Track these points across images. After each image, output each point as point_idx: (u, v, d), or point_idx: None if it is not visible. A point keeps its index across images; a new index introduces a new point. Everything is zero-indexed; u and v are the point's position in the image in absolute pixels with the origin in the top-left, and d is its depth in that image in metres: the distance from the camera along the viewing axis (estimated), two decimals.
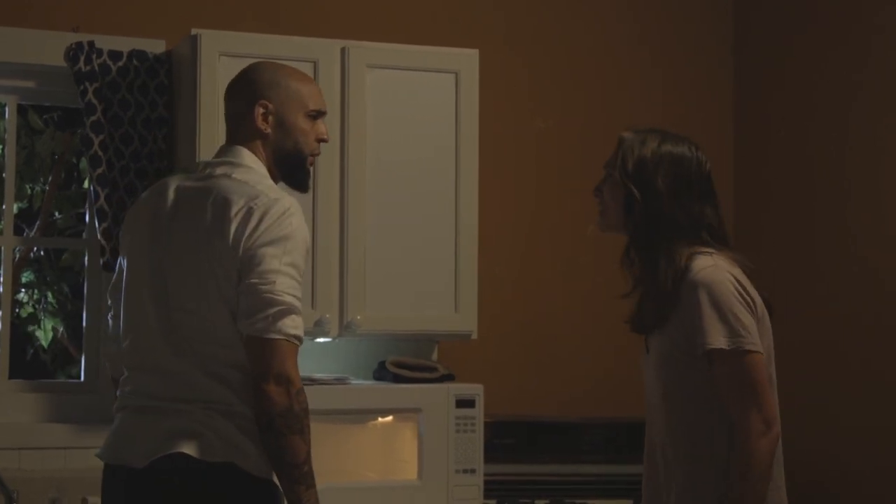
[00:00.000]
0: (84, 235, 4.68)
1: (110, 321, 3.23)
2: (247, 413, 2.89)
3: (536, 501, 4.33)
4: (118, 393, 3.12)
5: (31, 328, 7.41)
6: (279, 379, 2.82)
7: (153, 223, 3.04)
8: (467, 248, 4.25)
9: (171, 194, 3.05)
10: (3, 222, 4.60)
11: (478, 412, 4.17)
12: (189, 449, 2.87)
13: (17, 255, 7.15)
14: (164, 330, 2.96)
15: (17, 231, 6.39)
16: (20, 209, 7.21)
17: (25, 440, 4.25)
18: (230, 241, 2.87)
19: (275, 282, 2.84)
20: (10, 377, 4.43)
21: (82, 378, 4.50)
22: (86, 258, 4.57)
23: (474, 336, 4.24)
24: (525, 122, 4.85)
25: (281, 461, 2.85)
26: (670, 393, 3.02)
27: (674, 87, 5.04)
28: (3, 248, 4.55)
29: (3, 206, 4.54)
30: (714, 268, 2.97)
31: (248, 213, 2.89)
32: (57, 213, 7.43)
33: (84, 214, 4.73)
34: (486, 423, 4.22)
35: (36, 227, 7.31)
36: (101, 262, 4.28)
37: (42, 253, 7.54)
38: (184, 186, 3.05)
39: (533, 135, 4.85)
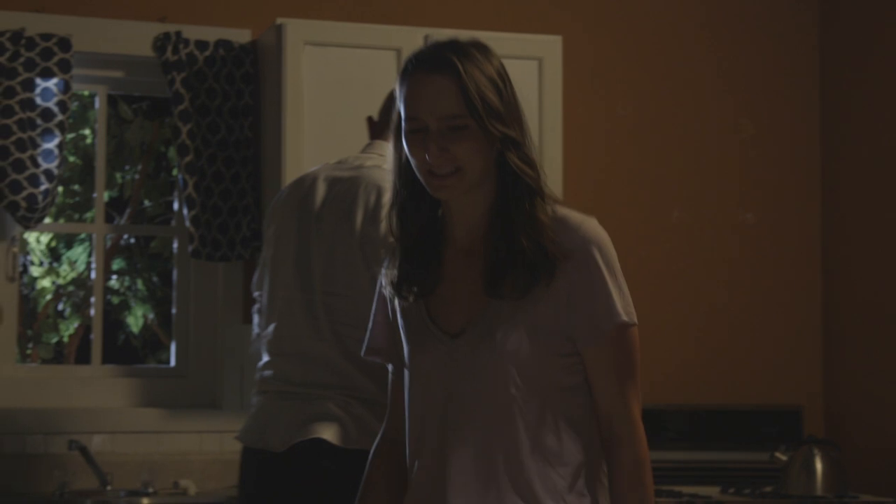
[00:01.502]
0: (173, 223, 4.75)
1: (256, 316, 3.25)
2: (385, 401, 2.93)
3: None
4: (257, 377, 3.16)
5: (121, 314, 7.53)
6: None
7: (301, 213, 3.07)
8: None
9: (320, 185, 3.08)
10: (94, 211, 4.68)
11: None
12: (328, 434, 2.91)
13: (108, 243, 7.26)
14: (309, 316, 3.01)
15: (108, 219, 6.50)
16: (111, 198, 7.33)
17: (118, 424, 4.32)
18: (383, 228, 2.91)
19: None
20: (103, 362, 4.51)
21: (172, 363, 4.57)
22: (174, 245, 4.63)
23: None
24: (607, 108, 4.84)
25: None
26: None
27: (758, 74, 4.99)
28: (94, 235, 4.62)
29: (95, 195, 4.62)
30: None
31: None
32: (146, 202, 7.54)
33: (173, 202, 4.80)
34: None
35: (126, 215, 7.42)
36: (190, 249, 4.34)
37: (132, 241, 7.65)
38: (333, 177, 3.08)
39: (615, 121, 4.84)
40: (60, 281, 7.36)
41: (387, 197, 2.93)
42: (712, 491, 4.36)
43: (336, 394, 2.96)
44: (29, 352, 7.00)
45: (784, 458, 4.31)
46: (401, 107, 2.22)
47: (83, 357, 4.57)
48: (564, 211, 2.27)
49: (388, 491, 2.36)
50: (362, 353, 2.44)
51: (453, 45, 2.22)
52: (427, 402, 2.23)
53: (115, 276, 7.51)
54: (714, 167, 4.91)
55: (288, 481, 3.01)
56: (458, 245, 2.27)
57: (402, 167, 2.27)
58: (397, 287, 2.29)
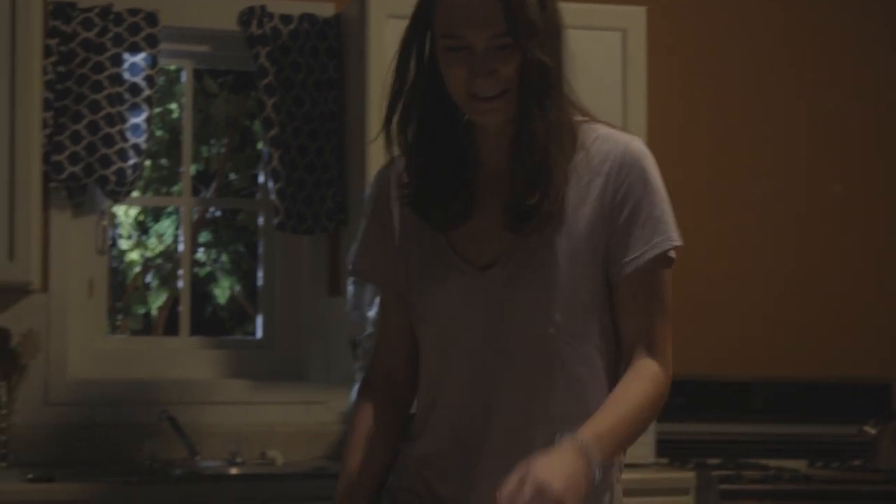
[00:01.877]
0: (258, 196, 4.78)
1: (353, 287, 3.31)
2: None
3: (709, 460, 4.30)
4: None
5: (208, 287, 7.60)
6: None
7: None
8: None
9: None
10: (181, 184, 4.73)
11: None
12: None
13: (195, 216, 7.33)
14: None
15: (195, 192, 6.56)
16: (197, 171, 7.39)
17: (207, 395, 4.37)
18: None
19: None
20: (191, 334, 4.56)
21: (259, 335, 4.61)
22: (260, 218, 4.67)
23: None
24: (691, 80, 4.79)
25: None
26: None
27: (842, 43, 4.92)
28: (181, 209, 4.67)
29: (181, 169, 4.67)
30: None
31: None
32: (232, 175, 7.60)
33: (258, 176, 4.83)
34: None
35: (212, 188, 7.48)
36: (275, 222, 4.37)
37: (218, 214, 7.72)
38: None
39: (702, 93, 4.79)
40: (148, 254, 7.45)
41: None
42: (799, 464, 4.32)
43: None
44: (118, 323, 7.10)
45: (873, 431, 4.26)
46: (433, 19, 2.03)
47: (171, 329, 4.63)
48: (606, 128, 2.11)
49: (386, 440, 2.15)
50: (348, 269, 2.32)
51: None
52: (454, 343, 2.07)
53: (201, 249, 7.59)
54: (801, 138, 4.85)
55: None
56: (485, 170, 2.10)
57: (420, 82, 2.07)
58: (421, 207, 2.10)
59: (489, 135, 2.08)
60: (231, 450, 4.22)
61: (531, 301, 2.03)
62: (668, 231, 2.10)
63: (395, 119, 2.09)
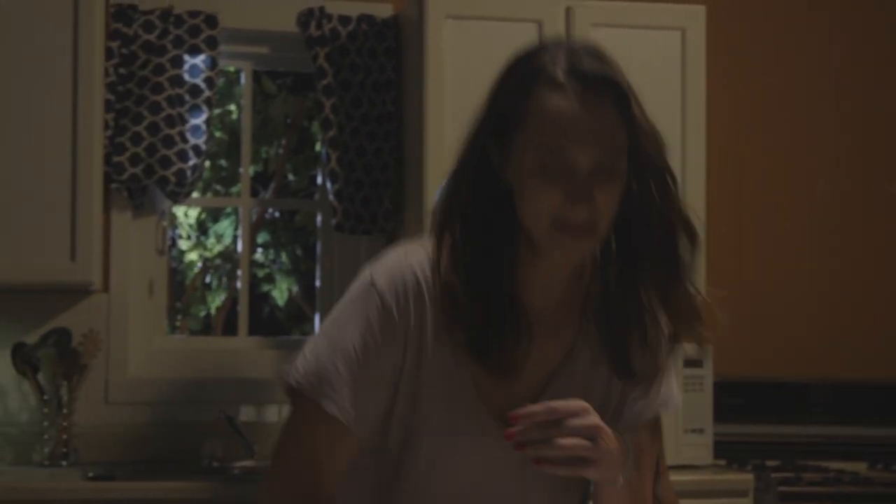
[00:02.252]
0: (316, 197, 4.80)
1: None
2: None
3: (767, 462, 4.27)
4: None
5: (266, 287, 7.65)
6: None
7: None
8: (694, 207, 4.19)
9: None
10: (240, 185, 4.76)
11: (707, 371, 4.14)
12: None
13: (254, 217, 7.38)
14: None
15: (253, 193, 6.60)
16: (256, 172, 7.44)
17: (264, 395, 4.39)
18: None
19: None
20: (250, 334, 4.59)
21: None
22: (318, 219, 4.69)
23: None
24: (750, 80, 4.76)
25: None
26: None
27: None
28: (240, 209, 4.70)
29: (240, 170, 4.70)
30: None
31: None
32: (290, 176, 7.64)
33: (316, 176, 4.85)
34: (714, 383, 4.18)
35: (271, 189, 7.53)
36: (333, 223, 4.38)
37: (277, 214, 7.76)
38: None
39: (760, 92, 4.76)
40: (207, 254, 7.51)
41: None
42: (859, 467, 4.28)
43: None
44: (178, 324, 7.16)
45: None
46: (520, 125, 1.72)
47: (230, 329, 4.66)
48: None
49: None
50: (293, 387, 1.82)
51: (611, 59, 1.75)
52: (446, 487, 1.82)
53: (260, 250, 7.63)
54: (858, 138, 4.81)
55: None
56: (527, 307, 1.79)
57: (481, 198, 1.76)
58: (480, 343, 1.75)
59: (541, 271, 1.79)
60: None
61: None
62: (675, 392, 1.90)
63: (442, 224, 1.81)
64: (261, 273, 7.64)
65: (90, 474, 3.84)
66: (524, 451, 1.68)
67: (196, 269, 7.56)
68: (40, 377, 4.15)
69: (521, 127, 1.73)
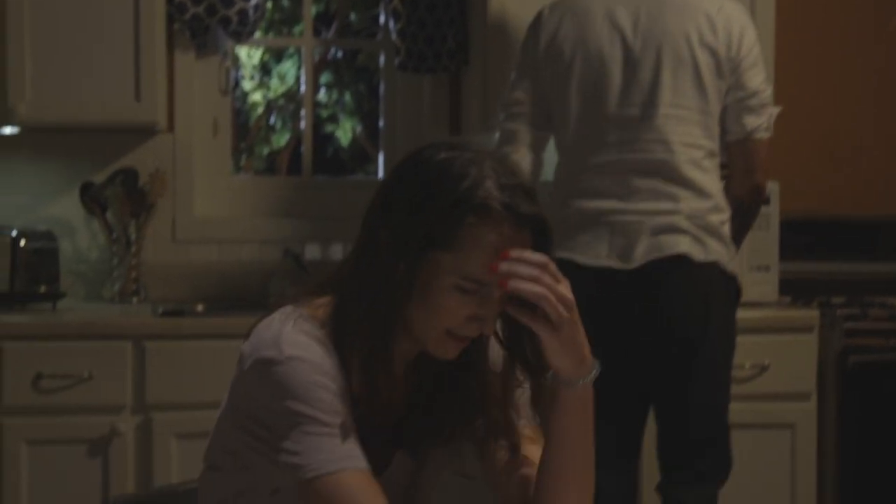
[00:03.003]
0: (379, 37, 4.77)
1: (510, 124, 3.47)
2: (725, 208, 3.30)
3: (833, 299, 4.26)
4: (561, 193, 3.37)
5: (330, 128, 7.65)
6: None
7: (612, 35, 3.33)
8: (765, 37, 4.10)
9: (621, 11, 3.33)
10: (302, 25, 4.73)
11: (773, 209, 4.11)
12: (685, 248, 3.21)
13: (317, 57, 7.34)
14: (649, 129, 3.30)
15: (316, 33, 6.55)
16: (317, 12, 7.38)
17: (329, 234, 4.42)
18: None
19: None
20: (313, 174, 4.60)
21: (380, 175, 4.64)
22: (381, 59, 4.66)
23: None
24: (820, 52, 4.63)
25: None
26: None
27: None
28: (303, 49, 4.68)
29: (302, 10, 4.66)
30: None
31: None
32: (352, 15, 7.57)
33: (379, 16, 4.80)
34: (781, 221, 4.15)
35: (333, 29, 7.48)
36: (396, 62, 4.36)
37: (339, 55, 7.72)
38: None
39: (829, 65, 4.64)
40: (271, 95, 7.50)
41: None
42: None
43: (678, 206, 3.24)
44: (242, 164, 7.20)
45: None
46: (457, 253, 1.76)
47: (294, 169, 4.66)
48: None
49: None
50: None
51: (531, 192, 1.80)
52: None
53: (323, 90, 7.62)
54: None
55: (645, 298, 3.23)
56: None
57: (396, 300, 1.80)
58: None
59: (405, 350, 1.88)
60: None
61: None
62: None
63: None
64: (324, 114, 7.63)
65: (160, 310, 3.91)
66: (506, 286, 1.74)
67: (260, 110, 7.57)
68: (109, 216, 4.20)
69: (446, 249, 1.76)
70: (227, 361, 3.66)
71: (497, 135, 3.55)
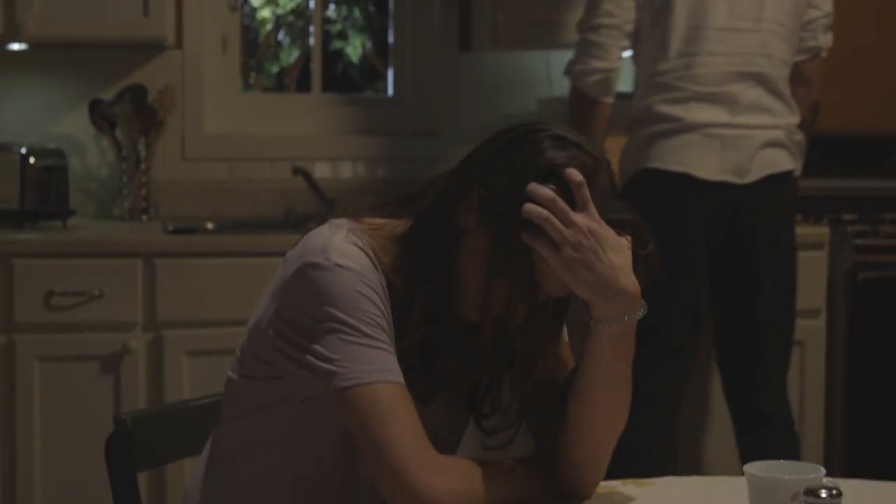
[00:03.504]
0: None
1: (595, 49, 3.50)
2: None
3: (843, 216, 4.25)
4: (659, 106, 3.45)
5: (339, 44, 7.59)
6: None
7: None
8: None
9: None
10: None
11: None
12: (787, 164, 3.45)
13: None
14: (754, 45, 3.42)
15: None
16: None
17: (339, 151, 4.41)
18: None
19: None
20: (323, 91, 4.58)
21: (390, 92, 4.62)
22: None
23: None
24: None
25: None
26: None
27: None
28: None
29: None
30: None
31: None
32: None
33: None
34: None
35: None
36: None
37: None
38: None
39: None
40: (279, 10, 7.45)
41: None
42: None
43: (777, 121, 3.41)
44: (251, 81, 7.16)
45: None
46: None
47: (304, 86, 4.65)
48: None
49: None
50: None
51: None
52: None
53: (332, 6, 7.56)
54: None
55: (756, 213, 3.40)
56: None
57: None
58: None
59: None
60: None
61: None
62: None
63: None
64: (333, 30, 7.58)
65: (170, 228, 3.91)
66: (531, 213, 1.70)
67: (268, 27, 7.52)
68: (118, 133, 4.19)
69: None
70: (236, 279, 3.69)
71: (577, 45, 3.56)
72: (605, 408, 1.82)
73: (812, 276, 3.92)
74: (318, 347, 1.73)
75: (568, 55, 3.88)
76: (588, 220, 1.72)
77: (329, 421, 1.79)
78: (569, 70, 3.57)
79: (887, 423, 4.02)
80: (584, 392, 1.82)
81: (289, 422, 1.83)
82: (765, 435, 3.52)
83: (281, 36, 7.52)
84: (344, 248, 1.76)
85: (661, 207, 3.25)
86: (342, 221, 1.83)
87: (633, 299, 1.76)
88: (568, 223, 1.71)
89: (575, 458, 1.85)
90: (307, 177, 4.26)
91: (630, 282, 1.75)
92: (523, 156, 1.75)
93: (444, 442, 1.88)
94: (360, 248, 1.78)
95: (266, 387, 1.84)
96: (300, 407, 1.79)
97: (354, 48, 7.59)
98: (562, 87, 4.36)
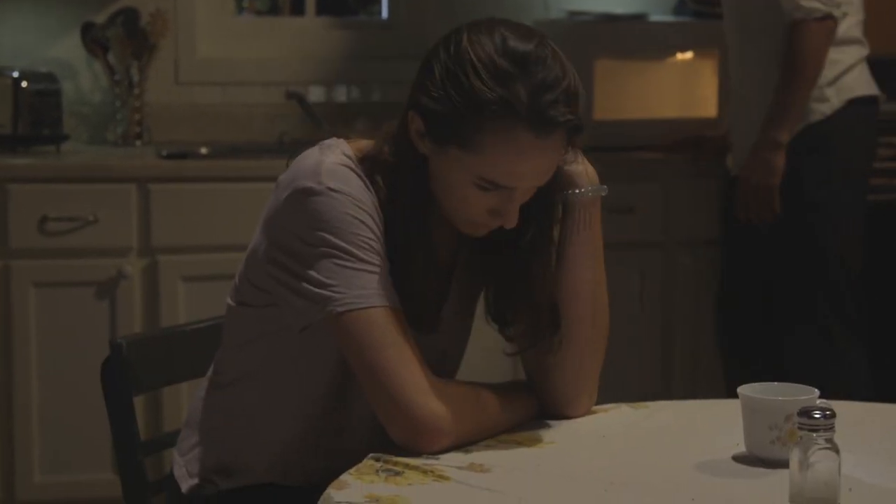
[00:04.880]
0: None
1: None
2: None
3: None
4: None
5: None
6: None
7: None
8: None
9: None
10: None
11: None
12: None
13: None
14: None
15: None
16: None
17: (333, 74, 4.39)
18: None
19: None
20: (317, 14, 4.54)
21: (385, 15, 4.58)
22: None
23: None
24: None
25: None
26: None
27: None
28: None
29: None
30: None
31: None
32: None
33: None
34: None
35: None
36: None
37: None
38: None
39: None
40: None
41: None
42: None
43: None
44: (245, 4, 7.09)
45: None
46: (478, 155, 1.71)
47: (298, 9, 4.61)
48: None
49: None
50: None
51: (571, 96, 1.73)
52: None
53: None
54: None
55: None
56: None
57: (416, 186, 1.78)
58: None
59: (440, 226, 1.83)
60: (358, 127, 4.24)
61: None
62: None
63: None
64: None
65: (164, 153, 3.90)
66: None
67: None
68: (110, 57, 4.16)
69: (469, 149, 1.71)
70: (231, 204, 3.68)
71: None
72: (585, 289, 1.87)
73: None
74: (312, 273, 1.72)
75: None
76: None
77: (327, 348, 1.80)
78: (800, 6, 3.45)
79: None
80: (563, 276, 1.86)
81: (288, 350, 1.84)
82: None
83: None
84: (336, 170, 1.75)
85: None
86: (332, 142, 1.82)
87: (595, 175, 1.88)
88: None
89: (556, 378, 1.87)
90: (301, 101, 4.24)
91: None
92: (453, 85, 1.72)
93: (443, 367, 1.89)
94: (352, 169, 1.77)
95: (264, 314, 1.84)
96: (299, 336, 1.79)
97: None
98: (558, 9, 4.33)
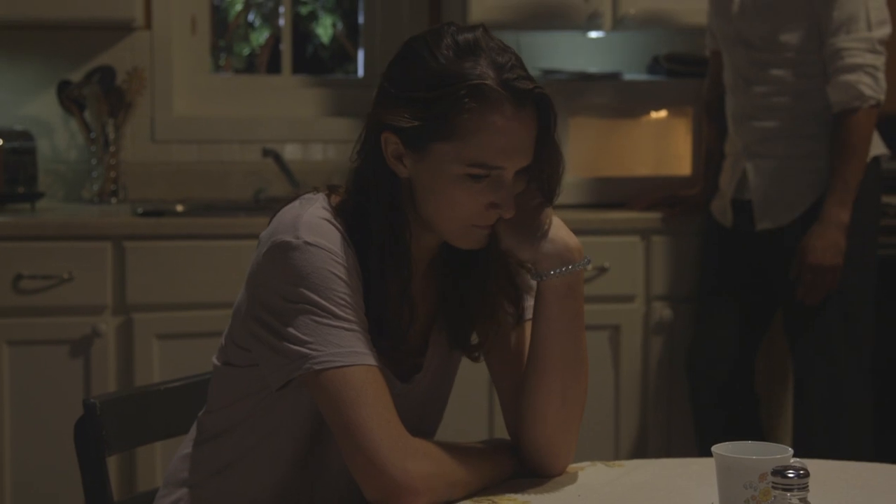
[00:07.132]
0: None
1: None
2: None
3: None
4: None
5: (310, 25, 7.57)
6: None
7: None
8: None
9: None
10: None
11: None
12: None
13: None
14: None
15: None
16: None
17: (309, 133, 4.40)
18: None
19: None
20: (293, 73, 4.57)
21: (360, 73, 4.61)
22: None
23: None
24: None
25: None
26: None
27: None
28: None
29: None
30: None
31: None
32: None
33: None
34: None
35: None
36: None
37: None
38: None
39: None
40: None
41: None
42: None
43: None
44: (222, 63, 7.13)
45: None
46: (459, 141, 1.73)
47: (274, 67, 4.63)
48: None
49: None
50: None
51: (526, 70, 1.77)
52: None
53: None
54: None
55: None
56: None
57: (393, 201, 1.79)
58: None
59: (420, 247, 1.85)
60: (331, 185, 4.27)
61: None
62: None
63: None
64: (304, 11, 7.56)
65: (139, 210, 3.90)
66: None
67: (238, 7, 7.49)
68: (86, 115, 4.17)
69: (453, 138, 1.73)
70: (207, 262, 3.68)
71: (868, 67, 3.53)
72: (558, 380, 1.84)
73: None
74: (290, 330, 1.72)
75: (538, 36, 3.86)
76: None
77: (304, 406, 1.79)
78: (862, 95, 3.50)
79: None
80: (538, 358, 1.84)
81: (266, 406, 1.83)
82: None
83: (251, 17, 7.49)
84: (314, 223, 1.76)
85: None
86: (313, 196, 1.83)
87: (570, 250, 1.81)
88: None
89: (534, 436, 1.86)
90: (277, 158, 4.25)
91: (564, 235, 1.82)
92: (421, 83, 1.75)
93: (424, 422, 1.88)
94: (330, 222, 1.77)
95: (247, 375, 1.84)
96: (278, 394, 1.79)
97: (325, 28, 7.58)
98: (532, 68, 4.35)
